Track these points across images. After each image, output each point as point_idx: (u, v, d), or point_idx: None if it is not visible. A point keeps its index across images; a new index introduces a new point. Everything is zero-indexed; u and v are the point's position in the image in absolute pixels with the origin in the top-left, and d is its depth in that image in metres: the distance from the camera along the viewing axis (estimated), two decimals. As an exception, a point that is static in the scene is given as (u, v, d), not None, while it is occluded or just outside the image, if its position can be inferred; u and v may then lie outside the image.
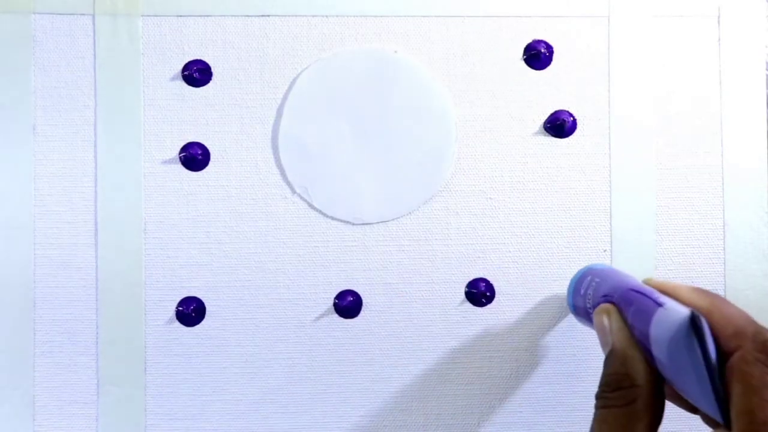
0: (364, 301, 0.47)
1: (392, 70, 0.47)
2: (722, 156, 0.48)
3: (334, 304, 0.46)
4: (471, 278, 0.47)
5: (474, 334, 0.47)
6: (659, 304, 0.31)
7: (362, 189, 0.47)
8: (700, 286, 0.34)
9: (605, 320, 0.34)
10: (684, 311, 0.29)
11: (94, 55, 0.46)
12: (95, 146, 0.46)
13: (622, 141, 0.47)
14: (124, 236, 0.46)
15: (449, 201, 0.47)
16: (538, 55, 0.47)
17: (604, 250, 0.47)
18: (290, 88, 0.46)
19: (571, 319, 0.47)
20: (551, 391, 0.47)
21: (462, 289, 0.47)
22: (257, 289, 0.46)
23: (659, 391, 0.32)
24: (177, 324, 0.46)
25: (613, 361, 0.33)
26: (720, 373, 0.29)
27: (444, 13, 0.47)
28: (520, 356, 0.47)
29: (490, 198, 0.47)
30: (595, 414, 0.33)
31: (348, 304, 0.46)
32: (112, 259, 0.46)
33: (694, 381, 0.29)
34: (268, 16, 0.47)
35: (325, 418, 0.46)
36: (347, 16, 0.47)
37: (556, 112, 0.47)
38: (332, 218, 0.47)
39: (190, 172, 0.46)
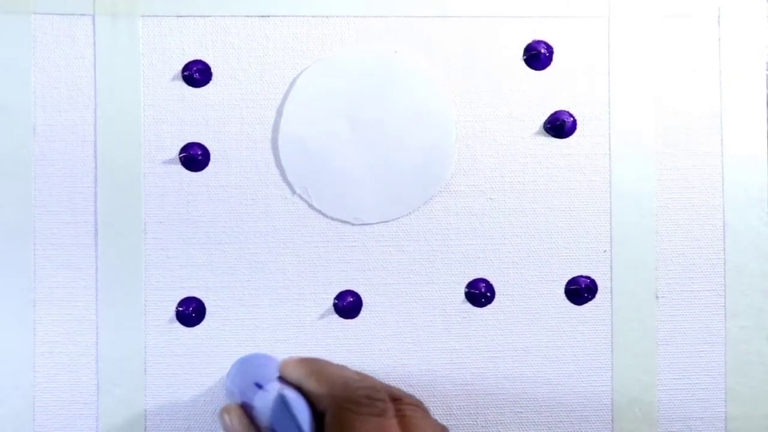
0: (364, 301, 0.47)
1: (392, 70, 0.47)
2: (722, 156, 0.48)
3: (334, 304, 0.46)
4: (471, 278, 0.47)
5: (474, 334, 0.47)
6: (260, 387, 0.36)
7: (362, 189, 0.47)
8: (307, 357, 0.37)
9: (227, 419, 0.37)
10: (274, 391, 0.33)
11: (94, 55, 0.46)
12: (95, 146, 0.46)
13: (622, 141, 0.47)
14: (124, 236, 0.46)
15: (449, 201, 0.47)
16: (538, 55, 0.47)
17: (604, 251, 0.47)
18: (290, 88, 0.46)
19: (571, 319, 0.47)
20: (551, 391, 0.47)
21: (462, 289, 0.47)
22: (257, 289, 0.46)
23: None
24: (177, 324, 0.46)
25: None
26: None
27: (444, 13, 0.47)
28: (520, 356, 0.47)
29: (490, 198, 0.47)
30: None
31: (348, 304, 0.46)
32: (112, 259, 0.46)
33: None
34: (268, 16, 0.47)
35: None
36: (347, 16, 0.47)
37: (556, 112, 0.47)
38: (332, 218, 0.47)
39: (190, 172, 0.46)
